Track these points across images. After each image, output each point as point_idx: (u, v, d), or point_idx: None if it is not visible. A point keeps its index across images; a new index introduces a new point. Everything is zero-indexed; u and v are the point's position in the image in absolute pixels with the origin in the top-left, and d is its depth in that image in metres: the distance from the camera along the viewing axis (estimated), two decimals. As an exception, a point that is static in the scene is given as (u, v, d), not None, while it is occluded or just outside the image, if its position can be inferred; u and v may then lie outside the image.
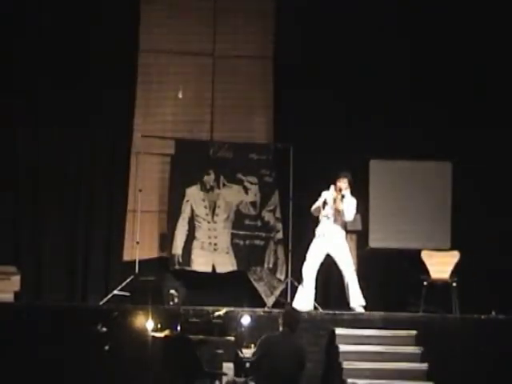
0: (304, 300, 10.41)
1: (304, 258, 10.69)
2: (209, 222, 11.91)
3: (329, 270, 12.04)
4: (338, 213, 10.51)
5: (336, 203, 10.48)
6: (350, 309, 10.38)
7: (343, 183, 10.50)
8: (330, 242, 10.50)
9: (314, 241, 10.57)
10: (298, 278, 11.58)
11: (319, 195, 10.62)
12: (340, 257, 10.51)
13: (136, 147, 12.00)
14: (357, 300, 10.40)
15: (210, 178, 11.96)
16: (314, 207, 10.56)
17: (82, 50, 11.87)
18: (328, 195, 10.56)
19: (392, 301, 11.64)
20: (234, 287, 11.69)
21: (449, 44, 12.13)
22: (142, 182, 11.81)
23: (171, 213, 11.85)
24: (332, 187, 10.56)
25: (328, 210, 10.53)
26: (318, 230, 10.59)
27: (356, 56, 12.11)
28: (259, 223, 11.98)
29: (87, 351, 9.31)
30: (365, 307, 10.43)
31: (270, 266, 11.86)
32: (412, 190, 11.96)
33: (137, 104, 12.15)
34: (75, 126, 11.86)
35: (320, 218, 10.58)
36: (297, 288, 11.05)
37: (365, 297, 10.55)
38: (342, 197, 10.44)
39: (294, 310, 8.73)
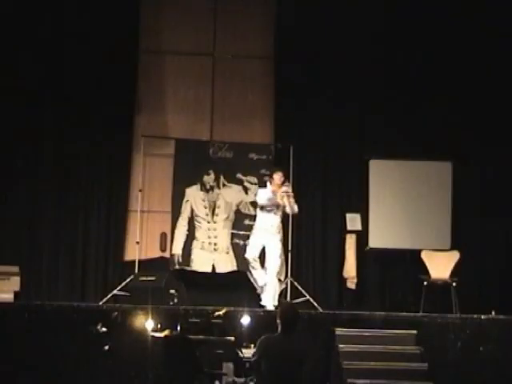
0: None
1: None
2: (209, 222, 11.92)
3: (329, 270, 12.09)
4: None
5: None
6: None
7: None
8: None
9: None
10: (297, 278, 11.62)
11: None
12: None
13: (136, 147, 12.01)
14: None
15: (209, 178, 11.95)
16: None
17: (82, 50, 11.88)
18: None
19: (392, 301, 11.65)
20: (234, 287, 11.66)
21: (449, 44, 12.12)
22: (143, 182, 11.83)
23: (173, 213, 11.85)
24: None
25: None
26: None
27: (356, 56, 12.11)
28: (259, 223, 11.95)
29: (87, 351, 9.31)
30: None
31: (270, 265, 11.83)
32: (412, 190, 11.94)
33: (137, 104, 12.16)
34: (75, 126, 11.87)
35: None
36: (297, 288, 11.08)
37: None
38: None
39: (291, 306, 8.66)
